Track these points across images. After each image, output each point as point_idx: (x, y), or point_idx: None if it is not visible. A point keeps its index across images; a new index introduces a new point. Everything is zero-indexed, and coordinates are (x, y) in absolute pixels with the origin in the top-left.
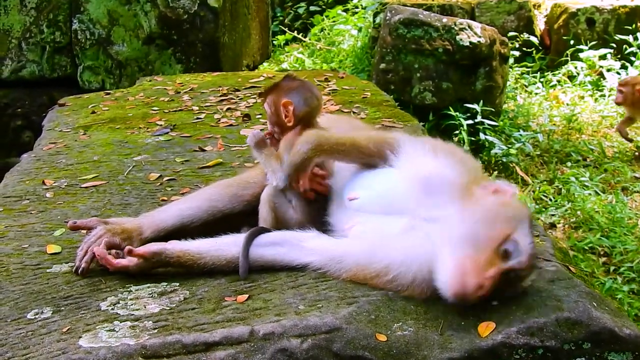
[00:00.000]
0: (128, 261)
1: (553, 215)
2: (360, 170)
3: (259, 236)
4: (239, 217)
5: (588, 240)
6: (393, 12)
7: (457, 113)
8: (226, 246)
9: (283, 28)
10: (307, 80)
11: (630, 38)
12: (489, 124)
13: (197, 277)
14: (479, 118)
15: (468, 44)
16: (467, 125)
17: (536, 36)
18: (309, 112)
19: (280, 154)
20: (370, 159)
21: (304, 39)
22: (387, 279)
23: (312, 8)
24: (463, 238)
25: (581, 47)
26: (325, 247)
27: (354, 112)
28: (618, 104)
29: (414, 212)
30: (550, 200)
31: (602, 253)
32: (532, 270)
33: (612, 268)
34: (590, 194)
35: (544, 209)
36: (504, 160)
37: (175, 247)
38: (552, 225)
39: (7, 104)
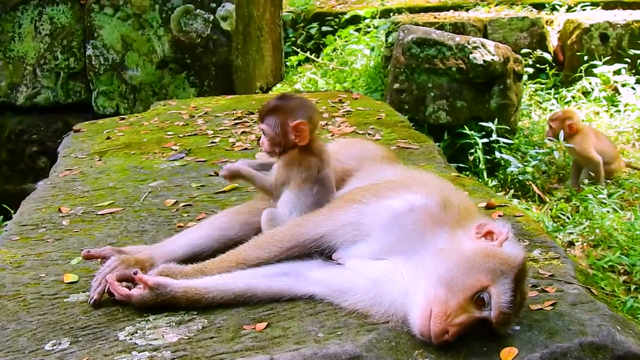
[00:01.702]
0: (134, 291)
1: (571, 233)
2: None
3: (266, 266)
4: None
5: (607, 259)
6: (406, 31)
7: (472, 132)
8: (233, 279)
9: (295, 49)
10: (303, 96)
11: None
12: (504, 142)
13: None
14: (494, 136)
15: (482, 62)
16: (483, 143)
17: (549, 52)
18: (314, 129)
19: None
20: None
21: (316, 59)
22: (378, 315)
23: (324, 28)
24: (438, 279)
25: (595, 62)
26: (329, 277)
27: (368, 134)
28: (550, 139)
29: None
30: (568, 218)
31: (622, 271)
32: (508, 324)
33: (633, 287)
34: (608, 212)
35: (561, 227)
36: (520, 178)
37: (181, 282)
38: (571, 244)
39: (23, 130)
